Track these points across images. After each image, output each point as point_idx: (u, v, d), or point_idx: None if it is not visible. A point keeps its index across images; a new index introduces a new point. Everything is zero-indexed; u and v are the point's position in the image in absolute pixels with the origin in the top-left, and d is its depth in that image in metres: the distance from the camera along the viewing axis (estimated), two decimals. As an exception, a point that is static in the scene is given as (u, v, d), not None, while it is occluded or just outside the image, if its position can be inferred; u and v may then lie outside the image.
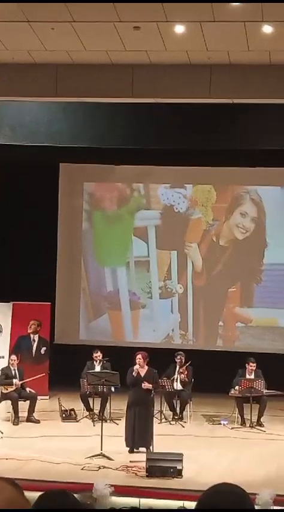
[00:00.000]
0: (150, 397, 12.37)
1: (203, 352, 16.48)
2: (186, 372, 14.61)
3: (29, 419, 14.28)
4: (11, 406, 14.23)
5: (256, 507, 8.58)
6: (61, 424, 14.26)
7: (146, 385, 12.33)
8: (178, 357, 14.74)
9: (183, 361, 14.71)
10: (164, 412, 14.48)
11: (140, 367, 12.50)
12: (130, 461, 11.66)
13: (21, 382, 14.45)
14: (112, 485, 10.00)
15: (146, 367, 12.57)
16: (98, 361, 14.74)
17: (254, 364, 14.51)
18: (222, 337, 17.30)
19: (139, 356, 12.60)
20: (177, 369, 14.67)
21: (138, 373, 12.45)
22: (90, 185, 17.75)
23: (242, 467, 11.61)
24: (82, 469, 11.35)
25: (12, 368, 14.59)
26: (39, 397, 14.66)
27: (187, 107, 13.29)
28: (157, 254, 17.43)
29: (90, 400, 14.34)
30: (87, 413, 14.51)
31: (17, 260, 16.94)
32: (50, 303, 16.51)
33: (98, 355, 14.77)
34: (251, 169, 16.70)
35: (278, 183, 16.97)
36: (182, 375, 14.58)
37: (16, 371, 14.56)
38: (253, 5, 9.84)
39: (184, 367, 14.63)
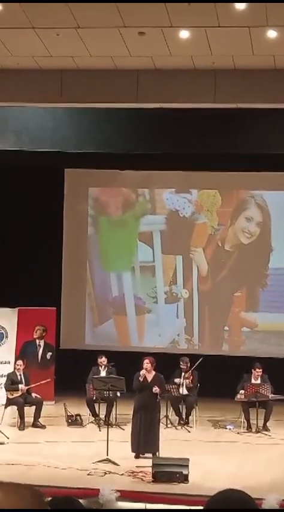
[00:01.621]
0: (156, 402, 12.36)
1: (209, 357, 16.46)
2: (191, 377, 14.60)
3: (35, 424, 14.28)
4: (17, 412, 14.23)
5: (263, 512, 8.56)
6: (67, 429, 14.26)
7: (156, 389, 12.31)
8: (183, 362, 14.72)
9: (188, 366, 14.70)
10: (170, 417, 14.46)
11: (147, 372, 12.49)
12: (136, 467, 11.64)
13: (27, 387, 14.45)
14: (118, 491, 9.99)
15: (153, 373, 12.56)
16: (103, 366, 14.74)
17: (261, 370, 14.49)
18: (228, 341, 17.28)
19: (146, 361, 12.60)
20: (183, 374, 14.65)
21: (145, 378, 12.45)
22: (95, 190, 17.77)
23: (248, 472, 11.59)
24: (88, 474, 11.34)
25: (18, 373, 14.59)
26: (45, 403, 14.65)
27: (192, 111, 13.29)
28: (163, 259, 17.43)
29: (96, 406, 14.34)
30: (93, 418, 14.50)
31: (23, 266, 16.95)
32: (55, 308, 16.51)
33: (103, 360, 14.78)
34: (256, 173, 16.71)
35: (283, 188, 16.96)
36: (187, 380, 14.57)
37: (22, 376, 14.57)
38: (258, 10, 9.84)
39: (189, 372, 14.63)
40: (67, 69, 12.14)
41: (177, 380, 14.56)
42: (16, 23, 10.48)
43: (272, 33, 10.54)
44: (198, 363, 14.60)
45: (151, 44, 11.02)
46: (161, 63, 11.77)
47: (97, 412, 14.38)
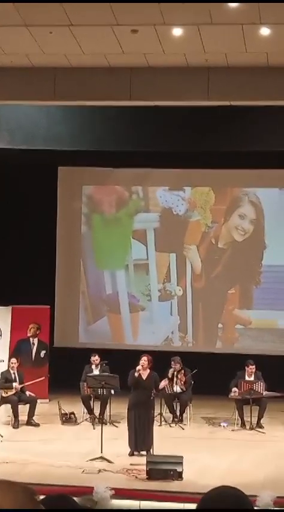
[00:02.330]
0: (150, 399, 12.37)
1: (202, 354, 16.48)
2: (184, 380, 14.57)
3: (29, 422, 14.28)
4: (11, 410, 14.23)
5: (256, 509, 8.58)
6: (61, 427, 14.27)
7: (162, 384, 12.40)
8: (174, 362, 14.66)
9: (178, 367, 14.61)
10: (164, 414, 14.47)
11: (143, 369, 12.50)
12: (131, 464, 11.65)
13: (21, 385, 14.44)
14: (112, 488, 10.01)
15: (148, 371, 12.57)
16: (95, 365, 14.74)
17: (254, 367, 14.51)
18: (222, 339, 17.30)
19: (144, 358, 12.60)
20: (175, 373, 14.62)
21: (140, 375, 12.45)
22: (89, 188, 17.76)
23: (242, 469, 11.60)
24: (82, 472, 11.34)
25: (12, 371, 14.58)
26: (39, 401, 14.65)
27: (185, 109, 13.30)
28: (156, 257, 17.44)
29: (91, 403, 14.34)
30: (88, 416, 14.51)
31: (16, 263, 16.94)
32: (49, 307, 16.50)
33: (96, 359, 14.77)
34: (249, 171, 16.71)
35: (276, 185, 16.99)
36: (179, 381, 14.52)
37: (16, 374, 14.56)
38: (251, 8, 9.85)
39: (182, 373, 14.60)
40: (60, 67, 12.13)
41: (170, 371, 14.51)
42: (9, 21, 10.47)
43: (265, 31, 10.55)
44: (192, 373, 14.58)
45: (144, 42, 11.02)
46: (154, 61, 11.77)
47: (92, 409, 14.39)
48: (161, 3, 9.80)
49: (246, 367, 14.55)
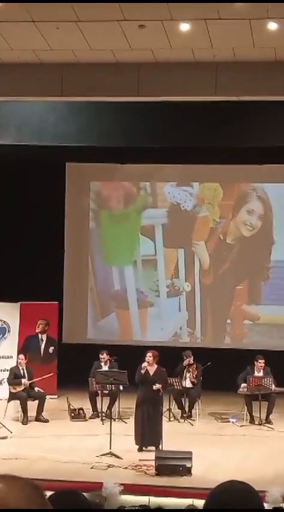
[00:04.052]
0: (158, 395, 12.37)
1: (211, 350, 16.47)
2: (196, 373, 14.58)
3: (38, 418, 14.30)
4: (20, 406, 14.25)
5: (266, 505, 8.58)
6: (70, 423, 14.28)
7: (157, 386, 12.34)
8: (185, 357, 14.71)
9: (191, 361, 14.68)
10: (173, 410, 14.47)
11: (149, 365, 12.50)
12: (140, 460, 11.66)
13: (29, 381, 14.46)
14: (121, 484, 10.01)
15: (155, 366, 12.57)
16: (104, 362, 14.74)
17: (263, 361, 14.50)
18: (230, 334, 17.29)
19: (149, 354, 12.61)
20: (186, 367, 14.65)
21: (147, 371, 12.45)
22: (97, 184, 17.76)
23: (251, 464, 11.61)
24: (91, 468, 11.37)
25: (21, 367, 14.60)
26: (47, 397, 14.68)
27: (193, 104, 13.26)
28: (165, 252, 17.43)
29: (98, 399, 14.35)
30: (92, 412, 14.53)
31: (24, 260, 16.94)
32: (57, 303, 16.52)
33: (104, 356, 14.77)
34: (257, 166, 16.68)
35: (284, 180, 16.96)
36: (191, 374, 14.56)
37: (25, 370, 14.58)
38: (258, 2, 9.81)
39: (194, 367, 14.61)
40: (67, 63, 12.11)
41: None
42: (16, 17, 10.47)
43: (273, 25, 10.51)
44: (204, 366, 14.59)
45: (152, 37, 10.99)
46: (162, 56, 11.75)
47: (99, 406, 14.38)
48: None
49: (256, 362, 14.53)
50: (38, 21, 10.61)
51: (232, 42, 11.19)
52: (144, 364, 12.48)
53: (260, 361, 14.50)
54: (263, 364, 14.49)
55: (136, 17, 10.39)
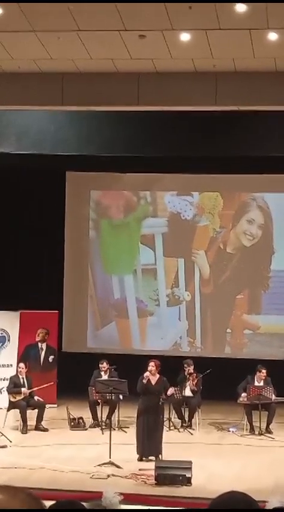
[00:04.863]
0: (159, 405, 12.35)
1: (211, 359, 16.45)
2: (195, 382, 14.57)
3: (38, 427, 14.28)
4: (20, 415, 14.23)
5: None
6: (69, 432, 14.26)
7: (171, 391, 12.49)
8: (187, 365, 14.71)
9: (191, 370, 14.66)
10: (172, 419, 14.45)
11: (151, 374, 12.48)
12: (139, 469, 11.63)
13: (29, 390, 14.44)
14: (121, 494, 9.94)
15: (157, 376, 12.56)
16: (104, 371, 14.73)
17: (265, 372, 14.47)
18: (230, 344, 17.28)
19: (152, 364, 12.58)
20: (187, 376, 14.63)
21: (149, 380, 12.43)
22: (97, 193, 17.78)
23: (251, 474, 11.58)
24: (91, 477, 11.33)
25: (20, 376, 14.59)
26: (47, 406, 14.66)
27: (193, 114, 13.29)
28: (165, 262, 17.43)
29: (98, 408, 14.34)
30: (93, 421, 14.50)
31: (24, 269, 16.95)
32: (57, 311, 16.52)
33: (104, 365, 14.75)
34: (257, 176, 16.71)
35: (284, 190, 16.97)
36: (191, 382, 14.53)
37: (25, 379, 14.56)
38: (258, 12, 9.84)
39: (194, 376, 14.60)
40: (68, 72, 12.13)
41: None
42: (17, 27, 10.48)
43: (273, 36, 10.54)
44: (205, 373, 14.57)
45: (152, 47, 11.01)
46: (162, 66, 11.77)
47: (99, 415, 14.36)
48: (169, 7, 9.79)
49: (258, 372, 14.50)
50: (38, 30, 10.63)
51: (232, 52, 11.21)
52: (146, 374, 12.46)
53: (262, 371, 14.48)
54: (265, 374, 14.46)
55: (136, 27, 10.41)
